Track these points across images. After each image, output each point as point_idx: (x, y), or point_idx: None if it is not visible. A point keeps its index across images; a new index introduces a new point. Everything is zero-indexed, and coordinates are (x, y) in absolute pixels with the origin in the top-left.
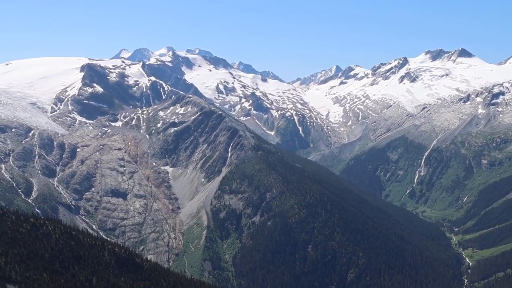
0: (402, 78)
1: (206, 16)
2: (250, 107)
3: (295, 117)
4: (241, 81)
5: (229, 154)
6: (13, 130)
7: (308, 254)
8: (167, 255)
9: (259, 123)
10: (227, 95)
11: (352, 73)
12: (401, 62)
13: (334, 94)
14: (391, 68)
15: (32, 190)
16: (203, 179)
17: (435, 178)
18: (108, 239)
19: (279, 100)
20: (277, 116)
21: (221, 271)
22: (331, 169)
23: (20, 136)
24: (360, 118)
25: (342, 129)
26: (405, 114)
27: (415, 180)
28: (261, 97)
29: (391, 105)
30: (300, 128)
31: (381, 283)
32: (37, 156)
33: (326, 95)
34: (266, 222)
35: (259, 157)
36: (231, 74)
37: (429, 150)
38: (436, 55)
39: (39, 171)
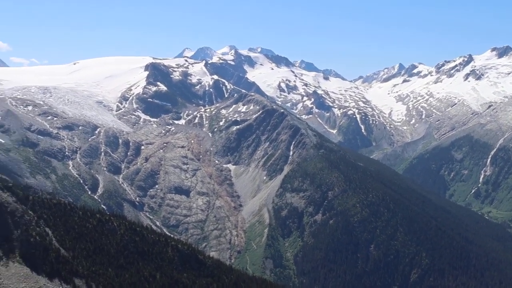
0: (467, 76)
1: (268, 15)
2: (312, 105)
3: (357, 116)
4: (303, 80)
5: (291, 152)
6: (80, 127)
7: (370, 254)
8: (229, 252)
9: (321, 121)
10: (289, 93)
11: (415, 71)
12: (466, 59)
13: (397, 92)
14: (456, 65)
15: (98, 187)
16: (265, 177)
17: (501, 178)
18: (172, 235)
19: (341, 98)
20: (339, 115)
21: (282, 269)
22: (394, 168)
23: (86, 133)
24: (423, 117)
25: (405, 127)
26: (470, 112)
27: (481, 179)
28: (323, 95)
29: (455, 103)
30: (362, 127)
31: (444, 284)
32: (103, 153)
33: (388, 93)
34: (328, 220)
35: (321, 156)
36: (293, 72)
37: (495, 149)
38: (502, 52)
39: (104, 168)
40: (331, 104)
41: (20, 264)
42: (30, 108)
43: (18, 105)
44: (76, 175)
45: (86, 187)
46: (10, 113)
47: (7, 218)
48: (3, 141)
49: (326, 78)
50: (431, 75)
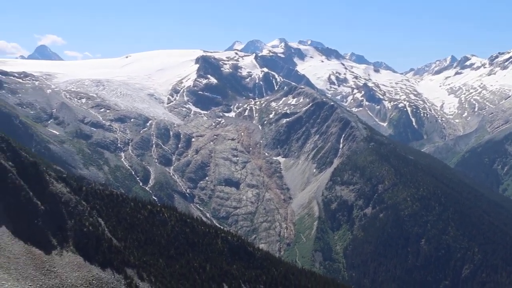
0: None
1: (319, 8)
2: (362, 98)
3: (408, 108)
4: (353, 72)
5: (341, 145)
6: (132, 120)
7: (421, 248)
8: (278, 245)
9: (371, 114)
10: (339, 86)
11: (468, 63)
12: None
13: (449, 84)
14: (510, 57)
15: (150, 178)
16: (314, 170)
17: None
18: (221, 227)
19: (392, 91)
20: (389, 107)
21: (332, 262)
22: (446, 161)
23: (138, 126)
24: (476, 109)
25: (457, 120)
26: None
27: None
28: (373, 88)
29: (510, 96)
30: (413, 120)
31: (497, 281)
32: (154, 145)
33: (440, 86)
34: (378, 214)
35: (371, 149)
36: (343, 65)
37: None
38: None
39: (156, 160)
40: (381, 97)
41: (73, 253)
42: (83, 100)
43: (72, 98)
44: (128, 167)
45: (137, 178)
46: (64, 106)
47: (61, 208)
48: (57, 133)
49: (376, 71)
50: (484, 67)
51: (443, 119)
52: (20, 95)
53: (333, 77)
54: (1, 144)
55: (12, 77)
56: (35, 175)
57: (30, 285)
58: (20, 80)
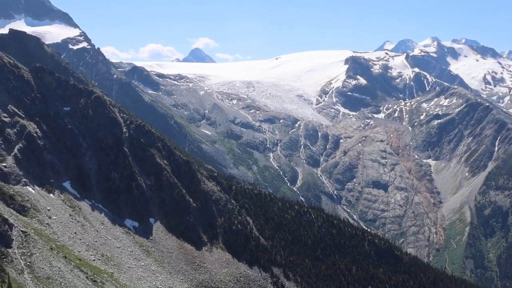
0: None
1: (474, 4)
2: None
3: None
4: (511, 71)
5: (496, 148)
6: (281, 121)
7: None
8: (427, 250)
9: None
10: (495, 86)
11: None
12: None
13: None
14: None
15: (297, 179)
16: (467, 174)
17: None
18: (368, 230)
19: None
20: None
21: (484, 271)
22: None
23: (287, 127)
24: None
25: None
26: None
27: None
28: None
29: None
30: None
31: None
32: (302, 146)
33: None
34: None
35: None
36: (500, 63)
37: None
38: None
39: (304, 161)
40: None
41: (222, 250)
42: (234, 101)
43: (224, 99)
44: (276, 167)
45: (285, 178)
46: (216, 107)
47: (212, 206)
48: (209, 133)
49: None
50: None
51: None
52: (175, 96)
53: (488, 77)
54: (157, 143)
55: (168, 79)
56: (188, 174)
57: (181, 279)
58: (175, 82)
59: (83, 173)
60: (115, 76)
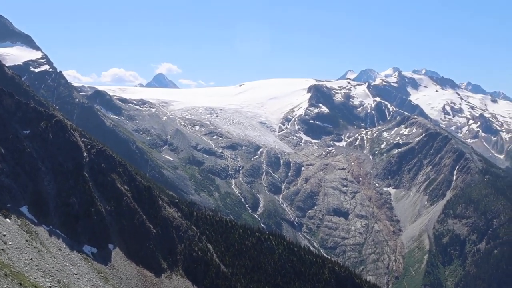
0: None
1: (434, 37)
2: (478, 129)
3: None
4: (469, 102)
5: (454, 177)
6: (243, 147)
7: None
8: (386, 277)
9: (487, 146)
10: (453, 116)
11: None
12: None
13: None
14: None
15: (259, 206)
16: (426, 202)
17: None
18: (329, 257)
19: (510, 122)
20: (507, 139)
21: None
22: None
23: (249, 153)
24: None
25: None
26: None
27: None
28: (490, 118)
29: None
30: None
31: None
32: (264, 173)
33: None
34: (492, 250)
35: (486, 181)
36: (459, 94)
37: None
38: None
39: (265, 188)
40: (498, 128)
41: (182, 277)
42: (197, 128)
43: (186, 125)
44: (238, 194)
45: (247, 205)
46: (178, 132)
47: (172, 232)
48: (171, 159)
49: (494, 101)
50: None
51: None
52: (137, 121)
53: (447, 107)
54: (118, 168)
55: (130, 104)
56: (149, 199)
57: None
58: (138, 107)
59: (41, 198)
60: (77, 100)
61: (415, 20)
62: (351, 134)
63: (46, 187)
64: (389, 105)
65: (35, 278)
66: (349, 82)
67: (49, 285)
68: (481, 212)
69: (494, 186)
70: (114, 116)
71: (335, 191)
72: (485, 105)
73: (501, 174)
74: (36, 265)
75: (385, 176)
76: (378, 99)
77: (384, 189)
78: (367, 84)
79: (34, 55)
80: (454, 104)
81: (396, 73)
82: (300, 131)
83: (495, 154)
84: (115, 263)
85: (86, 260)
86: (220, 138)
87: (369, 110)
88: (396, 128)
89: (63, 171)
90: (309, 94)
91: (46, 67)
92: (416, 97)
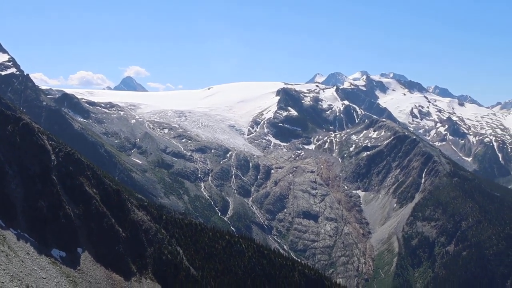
0: None
1: (401, 41)
2: (446, 132)
3: (495, 143)
4: (436, 105)
5: (423, 180)
6: (212, 151)
7: None
8: (356, 280)
9: (455, 148)
10: (421, 119)
11: None
12: None
13: None
14: None
15: (228, 209)
16: (395, 205)
17: None
18: (299, 260)
19: (477, 125)
20: (474, 142)
21: None
22: None
23: (218, 156)
24: None
25: None
26: None
27: None
28: (458, 121)
29: None
30: (499, 155)
31: None
32: (233, 176)
33: None
34: (460, 252)
35: (454, 184)
36: (426, 98)
37: None
38: None
39: (235, 191)
40: (466, 131)
41: (152, 280)
42: (166, 131)
43: (155, 128)
44: (207, 197)
45: (216, 208)
46: (147, 136)
47: (142, 235)
48: (140, 162)
49: (461, 104)
50: None
51: None
52: (105, 124)
53: (415, 111)
54: (86, 172)
55: (98, 107)
56: (118, 203)
57: None
58: (106, 110)
59: (8, 202)
60: (45, 103)
61: (383, 23)
62: (320, 137)
63: (13, 190)
64: (357, 109)
65: (2, 283)
66: (317, 86)
67: None
68: (450, 214)
69: (462, 188)
70: (82, 119)
71: (304, 194)
72: (453, 108)
73: (468, 176)
74: (4, 269)
75: (354, 179)
76: (346, 102)
77: (353, 192)
78: (335, 87)
79: (1, 58)
80: (422, 107)
81: (364, 77)
82: (269, 134)
83: (463, 157)
84: (84, 267)
85: (55, 264)
86: (189, 141)
87: (337, 113)
88: (364, 131)
89: (30, 174)
90: (278, 97)
91: (13, 70)
92: (384, 100)
